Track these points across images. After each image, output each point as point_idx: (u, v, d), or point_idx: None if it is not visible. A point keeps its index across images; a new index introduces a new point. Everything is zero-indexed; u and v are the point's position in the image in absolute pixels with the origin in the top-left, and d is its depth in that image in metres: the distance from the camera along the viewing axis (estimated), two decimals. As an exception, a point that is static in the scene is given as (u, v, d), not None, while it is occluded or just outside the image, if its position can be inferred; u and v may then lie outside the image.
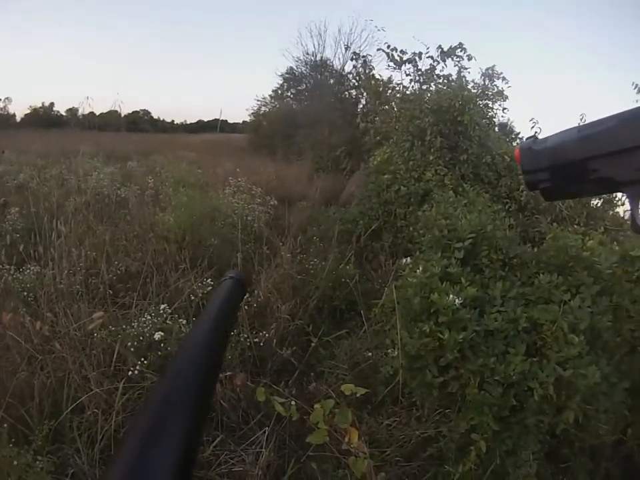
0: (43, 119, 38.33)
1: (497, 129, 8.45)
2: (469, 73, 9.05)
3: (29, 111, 41.69)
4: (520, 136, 9.57)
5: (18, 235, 5.91)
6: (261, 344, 3.99)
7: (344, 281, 5.04)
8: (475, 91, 8.68)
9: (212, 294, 0.91)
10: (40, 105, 42.31)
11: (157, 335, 3.63)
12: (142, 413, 0.52)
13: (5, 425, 2.82)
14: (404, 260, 3.91)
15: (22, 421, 3.02)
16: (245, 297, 1.04)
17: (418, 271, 3.14)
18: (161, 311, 4.00)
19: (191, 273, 4.89)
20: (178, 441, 0.48)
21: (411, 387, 3.20)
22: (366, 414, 3.38)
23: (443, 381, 2.92)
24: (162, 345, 3.63)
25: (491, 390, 2.73)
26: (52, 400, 3.23)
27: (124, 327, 3.82)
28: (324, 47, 22.84)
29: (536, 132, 6.57)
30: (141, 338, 3.69)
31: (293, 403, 2.48)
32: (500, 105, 9.09)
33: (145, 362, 3.46)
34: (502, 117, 9.23)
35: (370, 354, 3.87)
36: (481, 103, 7.79)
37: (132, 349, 3.56)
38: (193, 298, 4.34)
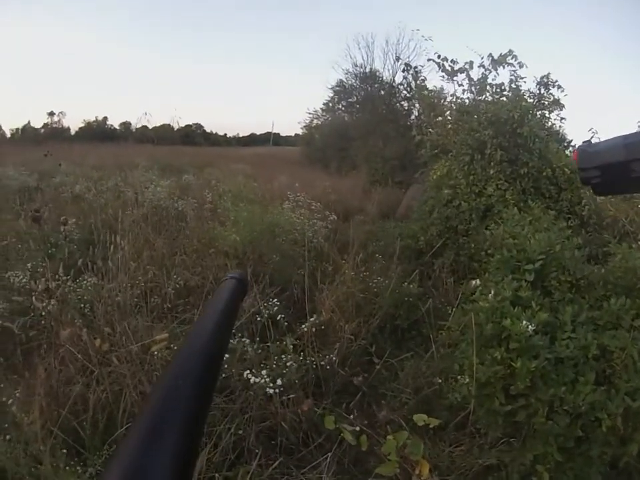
0: (97, 132, 39.12)
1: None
2: (524, 82, 8.75)
3: (82, 125, 42.72)
4: (573, 143, 9.33)
5: (75, 247, 5.91)
6: (327, 367, 3.92)
7: (406, 299, 4.98)
8: (531, 100, 8.46)
9: (213, 294, 0.92)
10: (94, 119, 43.31)
11: None
12: (142, 412, 0.51)
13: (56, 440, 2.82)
14: (473, 282, 3.83)
15: (75, 435, 3.02)
16: (245, 296, 0.98)
17: (490, 295, 3.07)
18: None
19: (253, 290, 4.78)
20: (178, 441, 0.48)
21: (477, 414, 3.11)
22: (427, 439, 3.25)
23: (510, 409, 2.85)
24: (225, 366, 3.51)
25: (558, 420, 2.67)
26: (107, 414, 3.22)
27: None
28: (372, 58, 22.65)
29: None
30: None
31: (361, 431, 2.46)
32: (557, 115, 8.81)
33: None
34: (559, 126, 8.94)
35: (437, 379, 3.74)
36: (538, 113, 7.64)
37: None
38: (257, 317, 4.27)
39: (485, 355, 2.96)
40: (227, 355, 3.35)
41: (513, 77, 8.65)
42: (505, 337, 2.88)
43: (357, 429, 2.65)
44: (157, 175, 11.75)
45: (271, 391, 3.25)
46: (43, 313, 3.94)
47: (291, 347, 3.74)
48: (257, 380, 3.28)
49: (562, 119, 8.85)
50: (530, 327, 2.77)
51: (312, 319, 4.00)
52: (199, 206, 8.45)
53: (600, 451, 2.61)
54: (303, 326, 3.97)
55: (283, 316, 4.26)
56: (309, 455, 3.22)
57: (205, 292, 4.78)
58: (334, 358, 4.01)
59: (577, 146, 1.07)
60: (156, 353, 3.46)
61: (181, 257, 5.89)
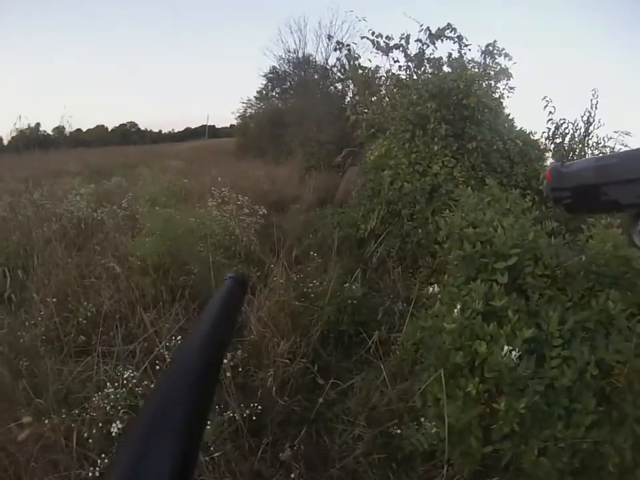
0: (30, 140, 37.89)
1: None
2: (469, 50, 8.31)
3: (15, 134, 41.42)
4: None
5: None
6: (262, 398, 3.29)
7: (350, 302, 4.38)
8: (476, 70, 7.95)
9: (213, 295, 0.88)
10: (26, 126, 41.99)
11: (114, 428, 2.82)
12: (142, 413, 0.51)
13: None
14: (430, 289, 3.20)
15: None
16: (246, 297, 1.04)
17: (456, 310, 2.37)
18: (125, 379, 3.16)
19: (171, 309, 4.28)
20: (177, 443, 0.46)
21: (449, 453, 2.50)
22: (390, 473, 2.82)
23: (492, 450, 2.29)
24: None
25: (552, 459, 2.12)
26: None
27: (77, 412, 3.04)
28: (305, 42, 22.74)
29: (550, 111, 6.46)
30: (100, 424, 2.89)
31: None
32: (506, 85, 8.30)
33: (106, 459, 2.66)
34: (508, 96, 8.41)
35: (394, 426, 3.03)
36: (484, 83, 7.13)
37: (90, 441, 2.81)
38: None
39: (454, 389, 2.33)
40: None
41: (453, 49, 8.23)
42: (479, 363, 2.26)
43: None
44: (83, 181, 10.99)
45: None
46: None
47: None
48: None
49: (511, 88, 8.36)
50: (514, 353, 2.13)
51: (225, 361, 3.22)
52: (119, 213, 7.68)
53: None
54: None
55: None
56: None
57: (118, 318, 4.27)
58: (268, 384, 3.41)
59: (550, 164, 0.92)
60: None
61: (90, 279, 5.17)
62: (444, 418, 2.40)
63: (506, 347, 2.17)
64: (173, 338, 3.51)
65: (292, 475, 2.81)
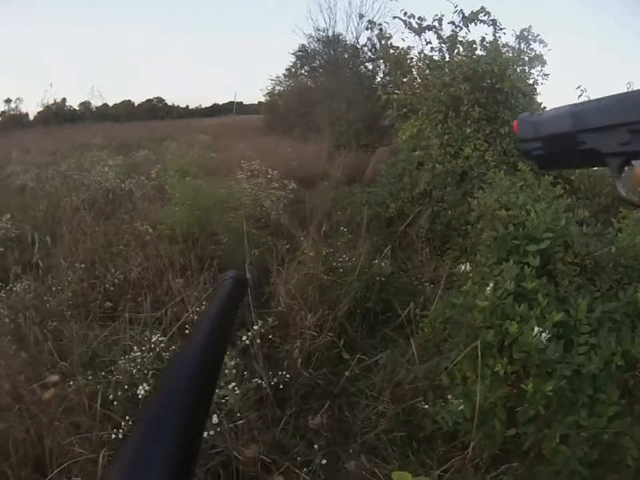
0: (57, 115, 37.91)
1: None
2: (503, 34, 8.05)
3: (41, 109, 41.39)
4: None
5: (10, 244, 5.35)
6: (280, 373, 3.22)
7: (378, 279, 4.37)
8: (510, 54, 7.81)
9: (213, 295, 0.97)
10: (52, 101, 41.96)
11: (141, 390, 2.87)
12: (142, 414, 0.53)
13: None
14: (462, 267, 3.21)
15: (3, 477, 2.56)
16: (245, 297, 1.06)
17: (488, 289, 2.40)
18: (153, 344, 3.26)
19: (199, 278, 4.31)
20: (178, 443, 0.46)
21: (471, 435, 2.52)
22: (410, 452, 2.83)
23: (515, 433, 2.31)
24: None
25: (573, 446, 2.14)
26: (35, 454, 2.69)
27: (102, 374, 3.12)
28: (335, 21, 22.20)
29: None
30: (126, 387, 2.97)
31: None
32: (540, 72, 7.90)
33: (130, 422, 2.72)
34: (542, 83, 8.27)
35: (421, 400, 3.05)
36: (518, 69, 7.05)
37: (115, 404, 2.88)
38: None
39: (482, 368, 2.35)
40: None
41: (487, 33, 8.08)
42: (509, 344, 2.29)
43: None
44: (110, 154, 11.08)
45: (205, 434, 2.54)
46: None
47: (232, 364, 2.97)
48: None
49: (545, 75, 8.07)
50: (543, 335, 2.16)
51: (256, 327, 3.26)
52: (148, 184, 7.80)
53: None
54: (245, 338, 3.22)
55: None
56: None
57: (145, 285, 4.34)
58: (294, 356, 3.43)
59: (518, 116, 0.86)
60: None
61: (118, 247, 5.24)
62: (471, 397, 2.43)
63: (536, 328, 2.18)
64: (202, 305, 3.61)
65: (314, 447, 2.84)
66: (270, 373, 3.18)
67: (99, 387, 2.94)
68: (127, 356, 3.12)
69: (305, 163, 10.97)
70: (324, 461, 2.72)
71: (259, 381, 3.06)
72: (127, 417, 2.70)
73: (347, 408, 3.29)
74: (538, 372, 2.21)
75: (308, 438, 2.98)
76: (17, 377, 3.01)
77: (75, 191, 6.95)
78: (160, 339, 3.27)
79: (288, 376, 3.20)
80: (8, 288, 4.16)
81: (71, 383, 2.94)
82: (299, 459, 2.77)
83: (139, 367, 3.04)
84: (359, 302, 4.25)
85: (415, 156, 6.11)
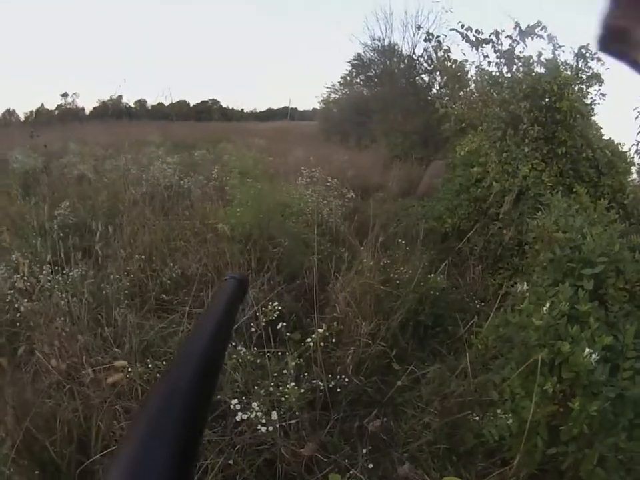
0: (112, 111, 38.63)
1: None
2: (562, 51, 7.88)
3: (97, 105, 42.12)
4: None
5: (68, 230, 5.46)
6: (338, 377, 3.31)
7: (432, 293, 4.43)
8: (568, 73, 7.72)
9: (213, 295, 0.81)
10: (108, 98, 42.73)
11: None
12: (142, 413, 0.52)
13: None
14: (519, 286, 3.27)
15: (47, 456, 2.70)
16: (245, 297, 1.01)
17: (545, 308, 2.49)
18: None
19: (258, 279, 4.42)
20: (178, 443, 0.47)
21: (513, 451, 2.58)
22: (449, 465, 2.88)
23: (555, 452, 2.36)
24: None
25: (610, 470, 2.19)
26: (79, 434, 2.83)
27: (157, 363, 3.25)
28: (391, 30, 22.08)
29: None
30: None
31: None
32: (597, 91, 7.69)
33: None
34: (598, 103, 8.13)
35: (473, 414, 3.02)
36: (576, 87, 6.99)
37: None
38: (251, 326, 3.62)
39: (531, 385, 2.42)
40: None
41: (543, 49, 7.98)
42: (559, 363, 2.36)
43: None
44: (167, 151, 11.25)
45: (263, 429, 2.69)
46: (18, 314, 3.62)
47: (293, 364, 3.13)
48: (246, 416, 2.71)
49: (602, 95, 7.89)
50: (593, 356, 2.23)
51: (320, 330, 3.38)
52: (207, 183, 7.99)
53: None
54: (309, 339, 3.35)
55: (284, 324, 3.57)
56: None
57: (204, 281, 4.42)
58: (347, 362, 3.51)
59: None
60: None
61: (179, 241, 5.43)
62: (519, 413, 2.49)
63: (587, 349, 2.25)
64: (262, 306, 3.70)
65: (356, 453, 2.90)
66: (329, 376, 3.26)
67: (157, 374, 3.07)
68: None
69: (360, 173, 10.95)
70: (370, 465, 2.77)
71: (318, 382, 3.13)
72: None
73: (392, 417, 3.32)
74: (584, 392, 2.26)
75: (352, 443, 3.03)
76: (71, 358, 3.18)
77: (134, 185, 7.13)
78: None
79: (346, 380, 3.27)
80: (64, 272, 4.23)
81: (129, 369, 3.03)
82: (346, 461, 2.82)
83: None
84: (411, 314, 4.29)
85: (473, 172, 6.13)
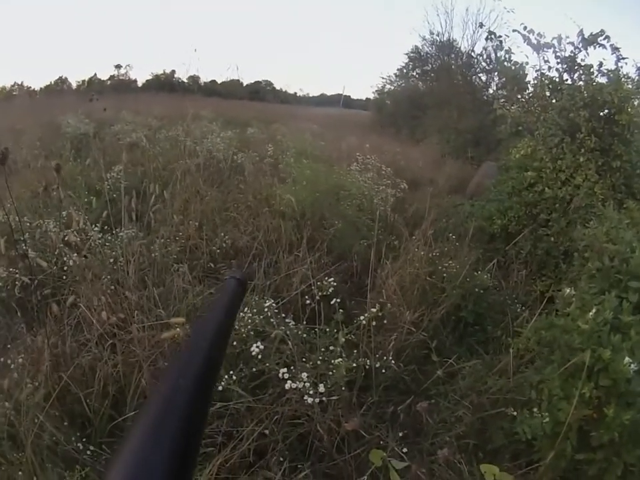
0: (165, 85, 38.98)
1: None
2: (625, 64, 7.82)
3: (150, 78, 42.54)
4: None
5: (119, 193, 5.46)
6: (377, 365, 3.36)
7: (476, 290, 4.49)
8: (629, 86, 7.64)
9: (214, 294, 0.95)
10: (161, 72, 43.07)
11: (255, 349, 2.98)
12: (144, 412, 0.53)
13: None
14: (567, 291, 3.34)
15: (77, 405, 2.85)
16: (245, 296, 1.12)
17: (590, 314, 2.58)
18: (266, 308, 3.41)
19: (308, 257, 4.45)
20: (178, 443, 0.48)
21: (542, 452, 2.60)
22: (475, 462, 2.83)
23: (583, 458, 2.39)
24: (258, 357, 3.00)
25: None
26: (117, 390, 2.97)
27: None
28: (451, 27, 21.91)
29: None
30: (234, 343, 3.14)
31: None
32: None
33: (234, 375, 2.89)
34: None
35: (511, 409, 3.06)
36: (636, 101, 6.94)
37: None
38: (313, 290, 3.74)
39: (570, 388, 2.49)
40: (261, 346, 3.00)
41: (604, 59, 7.85)
42: (598, 370, 2.41)
43: (406, 464, 2.25)
44: (220, 127, 11.29)
45: (310, 400, 2.77)
46: (65, 268, 3.75)
47: (343, 340, 3.21)
48: (295, 385, 2.79)
49: None
50: (632, 366, 2.29)
51: (373, 310, 3.47)
52: (260, 160, 8.13)
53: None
54: (362, 317, 3.45)
55: (338, 300, 3.59)
56: (342, 464, 2.87)
57: (253, 254, 4.51)
58: (386, 357, 3.47)
59: None
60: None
61: (231, 213, 5.57)
62: (554, 414, 2.51)
63: (627, 359, 2.29)
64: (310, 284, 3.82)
65: (387, 438, 2.93)
66: (376, 356, 3.33)
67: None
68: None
69: (411, 166, 10.98)
70: (405, 450, 2.76)
71: (365, 360, 3.21)
72: (231, 372, 2.89)
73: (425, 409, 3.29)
74: (619, 401, 2.29)
75: (385, 427, 3.08)
76: (116, 314, 3.30)
77: (188, 156, 7.21)
78: (272, 304, 3.44)
79: (392, 361, 3.35)
80: (115, 232, 4.37)
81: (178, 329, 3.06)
82: (381, 442, 2.88)
83: (248, 327, 3.23)
84: (454, 309, 4.36)
85: (526, 176, 6.13)
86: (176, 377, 0.58)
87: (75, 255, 3.78)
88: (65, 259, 3.83)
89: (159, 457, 0.45)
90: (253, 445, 2.69)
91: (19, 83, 31.57)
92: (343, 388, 3.02)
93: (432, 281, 4.39)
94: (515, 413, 2.94)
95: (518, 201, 6.12)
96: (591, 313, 2.54)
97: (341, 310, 3.50)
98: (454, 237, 5.47)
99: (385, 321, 3.79)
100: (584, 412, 2.37)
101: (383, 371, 3.32)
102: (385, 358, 3.34)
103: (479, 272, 4.69)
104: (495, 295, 4.83)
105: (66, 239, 3.75)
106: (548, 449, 2.51)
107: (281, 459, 2.71)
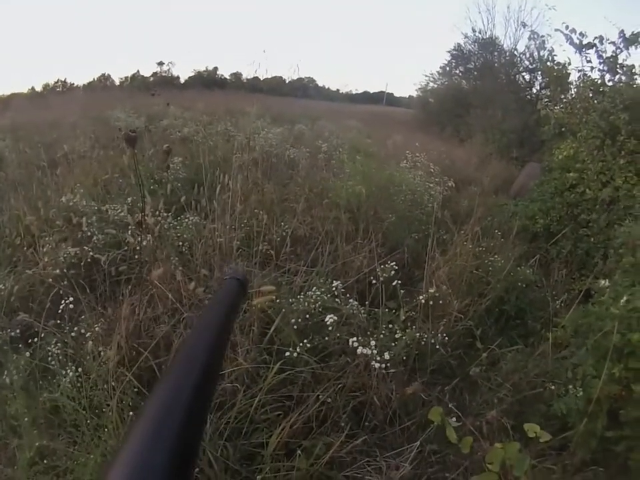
0: (207, 81, 39.14)
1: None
2: None
3: (192, 74, 42.77)
4: None
5: (179, 184, 5.88)
6: (432, 342, 3.62)
7: (519, 285, 4.75)
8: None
9: (214, 294, 1.00)
10: (204, 68, 43.32)
11: (330, 319, 3.26)
12: (143, 412, 0.53)
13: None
14: (602, 282, 3.59)
15: (146, 373, 3.00)
16: (245, 297, 1.05)
17: (622, 301, 2.87)
18: (333, 288, 3.70)
19: (365, 247, 4.71)
20: (178, 441, 0.49)
21: (574, 430, 2.78)
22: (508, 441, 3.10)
23: (611, 436, 2.58)
24: (330, 328, 3.27)
25: None
26: None
27: (289, 299, 3.61)
28: (494, 24, 21.71)
29: None
30: (307, 316, 3.42)
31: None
32: None
33: (308, 344, 3.18)
34: None
35: (550, 384, 3.32)
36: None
37: (295, 326, 3.34)
38: (371, 278, 4.01)
39: (602, 369, 2.69)
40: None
41: None
42: (628, 352, 2.65)
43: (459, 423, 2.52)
44: (269, 123, 11.52)
45: (377, 365, 3.01)
46: (138, 248, 3.96)
47: (403, 317, 3.55)
48: (365, 351, 3.03)
49: None
50: None
51: (431, 291, 3.80)
52: (312, 155, 8.43)
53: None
54: (421, 297, 3.78)
55: (399, 282, 3.88)
56: (391, 436, 3.11)
57: (311, 243, 4.78)
58: (439, 335, 3.71)
59: None
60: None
61: (290, 204, 5.85)
62: (587, 391, 2.75)
63: None
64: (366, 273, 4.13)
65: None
66: (432, 332, 3.61)
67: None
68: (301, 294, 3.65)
69: (455, 165, 11.08)
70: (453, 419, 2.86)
71: (423, 335, 3.49)
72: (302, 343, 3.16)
73: (468, 392, 3.60)
74: None
75: (430, 404, 3.24)
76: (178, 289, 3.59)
77: (240, 150, 7.16)
78: (339, 284, 3.76)
79: (447, 338, 3.64)
80: (179, 218, 4.72)
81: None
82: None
83: (318, 302, 3.53)
84: (497, 302, 4.61)
85: (569, 177, 6.32)
86: (176, 378, 0.60)
87: (149, 236, 3.97)
88: (139, 239, 4.01)
89: (159, 458, 0.46)
90: (315, 410, 2.93)
91: (62, 79, 32.49)
92: (404, 358, 3.32)
93: (478, 274, 4.64)
94: (553, 388, 3.19)
95: (560, 202, 6.31)
96: (622, 301, 2.81)
97: (402, 290, 3.78)
98: (499, 233, 5.67)
99: (436, 307, 4.02)
100: (614, 388, 2.59)
101: (437, 347, 3.57)
102: (438, 336, 3.61)
103: (522, 267, 4.92)
104: (536, 292, 5.03)
105: (141, 220, 3.87)
106: (580, 423, 2.71)
107: (342, 425, 2.97)
